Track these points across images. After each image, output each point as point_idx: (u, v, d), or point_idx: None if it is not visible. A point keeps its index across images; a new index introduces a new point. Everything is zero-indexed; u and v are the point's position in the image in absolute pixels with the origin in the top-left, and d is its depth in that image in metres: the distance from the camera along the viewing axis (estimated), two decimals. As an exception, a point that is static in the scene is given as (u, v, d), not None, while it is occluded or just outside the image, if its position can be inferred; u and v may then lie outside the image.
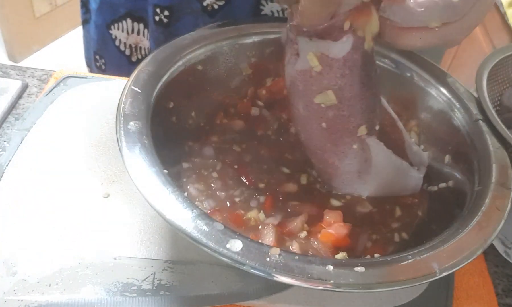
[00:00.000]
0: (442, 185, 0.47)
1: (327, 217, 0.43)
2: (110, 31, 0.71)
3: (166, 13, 0.63)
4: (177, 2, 0.62)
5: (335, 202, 0.46)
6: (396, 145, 0.46)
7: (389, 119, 0.47)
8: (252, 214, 0.43)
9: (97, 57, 0.75)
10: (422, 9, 0.34)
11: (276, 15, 0.63)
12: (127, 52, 0.72)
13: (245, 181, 0.46)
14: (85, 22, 0.76)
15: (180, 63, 0.49)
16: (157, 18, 0.64)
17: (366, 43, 0.39)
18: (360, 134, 0.42)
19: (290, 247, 0.41)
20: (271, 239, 0.40)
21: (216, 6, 0.62)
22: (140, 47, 0.71)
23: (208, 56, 0.52)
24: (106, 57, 0.74)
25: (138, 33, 0.69)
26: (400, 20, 0.36)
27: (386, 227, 0.45)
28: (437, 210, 0.46)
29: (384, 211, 0.46)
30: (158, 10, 0.63)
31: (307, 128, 0.43)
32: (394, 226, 0.45)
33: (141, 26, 0.69)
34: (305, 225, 0.43)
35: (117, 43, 0.71)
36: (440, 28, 0.35)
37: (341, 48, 0.38)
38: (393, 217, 0.46)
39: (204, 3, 0.61)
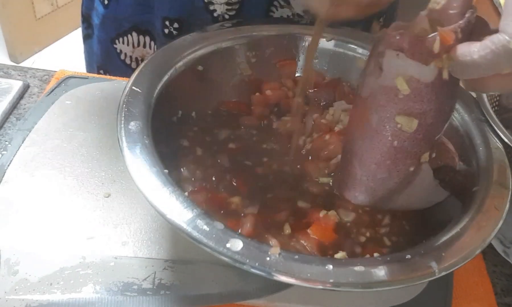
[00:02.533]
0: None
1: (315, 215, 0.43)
2: (115, 45, 0.70)
3: (176, 25, 0.63)
4: (187, 14, 0.62)
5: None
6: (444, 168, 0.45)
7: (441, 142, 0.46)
8: (235, 199, 0.43)
9: (101, 71, 0.74)
10: (486, 62, 0.33)
11: None
12: (133, 65, 0.71)
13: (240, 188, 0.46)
14: (87, 37, 0.75)
15: (180, 63, 0.50)
16: (166, 30, 0.63)
17: (444, 72, 0.37)
18: (423, 160, 0.41)
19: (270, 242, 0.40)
20: (248, 226, 0.41)
21: (227, 16, 0.61)
22: None
23: (208, 56, 0.53)
24: (110, 71, 0.73)
25: (144, 46, 0.69)
26: (470, 76, 0.36)
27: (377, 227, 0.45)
28: (435, 209, 0.46)
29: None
30: (167, 22, 0.63)
31: (374, 141, 0.41)
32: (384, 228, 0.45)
33: (147, 38, 0.68)
34: (290, 218, 0.43)
35: (122, 57, 0.71)
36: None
37: (431, 72, 0.37)
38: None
39: (215, 14, 0.61)
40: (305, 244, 0.40)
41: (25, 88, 0.62)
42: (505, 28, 0.33)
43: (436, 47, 0.36)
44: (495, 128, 0.46)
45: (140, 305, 0.39)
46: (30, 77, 0.64)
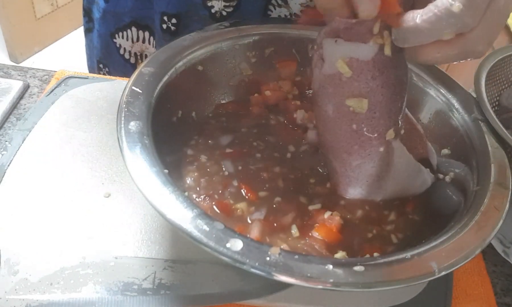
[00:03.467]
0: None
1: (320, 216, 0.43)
2: (115, 40, 0.70)
3: (174, 21, 0.63)
4: (185, 9, 0.62)
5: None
6: (415, 147, 0.46)
7: (408, 122, 0.46)
8: (241, 205, 0.43)
9: (101, 65, 0.75)
10: (428, 26, 0.34)
11: None
12: (132, 60, 0.72)
13: (245, 194, 0.45)
14: (88, 31, 0.75)
15: (180, 63, 0.50)
16: (164, 26, 0.64)
17: (386, 48, 0.38)
18: (388, 137, 0.42)
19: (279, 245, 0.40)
20: (255, 233, 0.41)
21: (224, 13, 0.62)
22: (146, 55, 0.71)
23: (208, 56, 0.53)
24: (110, 66, 0.74)
25: (144, 41, 0.69)
26: (412, 43, 0.36)
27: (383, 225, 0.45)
28: (435, 209, 0.46)
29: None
30: (165, 18, 0.63)
31: (336, 130, 0.42)
32: (389, 228, 0.45)
33: (147, 34, 0.69)
34: (297, 220, 0.43)
35: (121, 51, 0.71)
36: (456, 40, 0.34)
37: (370, 50, 0.38)
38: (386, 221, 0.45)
39: (213, 10, 0.61)
40: (314, 245, 0.41)
41: (25, 88, 0.62)
42: None
43: (376, 28, 0.37)
44: (495, 128, 0.46)
45: (140, 305, 0.39)
46: (30, 77, 0.64)
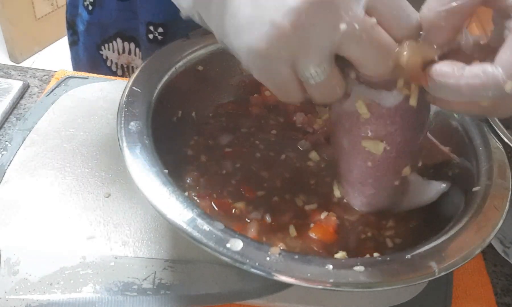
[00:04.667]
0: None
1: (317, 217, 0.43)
2: (101, 52, 0.69)
3: (160, 30, 0.62)
4: (171, 18, 0.61)
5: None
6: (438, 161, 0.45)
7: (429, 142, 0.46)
8: (240, 204, 0.43)
9: None
10: (470, 91, 0.31)
11: None
12: (119, 73, 0.71)
13: (244, 193, 0.45)
14: (73, 44, 0.74)
15: (180, 63, 0.50)
16: (150, 36, 0.62)
17: (412, 99, 0.36)
18: (404, 174, 0.41)
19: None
20: (253, 232, 0.41)
21: None
22: (133, 67, 0.70)
23: (208, 56, 0.52)
24: None
25: (130, 53, 0.68)
26: (446, 97, 0.33)
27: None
28: (435, 210, 0.46)
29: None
30: (151, 27, 0.62)
31: (350, 163, 0.41)
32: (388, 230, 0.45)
33: (132, 45, 0.67)
34: (294, 220, 0.43)
35: (108, 63, 0.70)
36: (490, 105, 0.32)
37: (393, 98, 0.36)
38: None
39: None
40: (311, 245, 0.41)
41: (25, 88, 0.62)
42: (503, 62, 0.30)
43: (400, 83, 0.35)
44: (495, 128, 0.46)
45: (140, 305, 0.39)
46: (30, 77, 0.64)
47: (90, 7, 0.66)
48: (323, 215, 0.43)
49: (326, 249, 0.41)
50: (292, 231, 0.42)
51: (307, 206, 0.44)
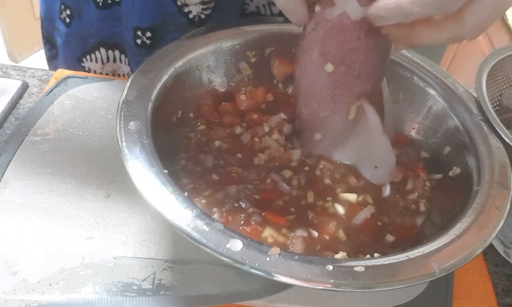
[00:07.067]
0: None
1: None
2: (82, 64, 0.68)
3: (149, 34, 0.61)
4: (159, 21, 0.60)
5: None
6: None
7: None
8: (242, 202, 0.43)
9: None
10: (417, 8, 0.34)
11: (262, 10, 0.61)
12: None
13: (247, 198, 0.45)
14: (51, 59, 0.72)
15: (180, 63, 0.50)
16: (139, 41, 0.61)
17: None
18: (360, 101, 0.43)
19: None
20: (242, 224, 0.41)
21: (203, 16, 0.60)
22: (119, 74, 0.69)
23: (208, 56, 0.52)
24: None
25: (115, 61, 0.67)
26: (391, 20, 0.37)
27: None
28: (435, 209, 0.46)
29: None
30: (139, 32, 0.61)
31: (314, 76, 0.44)
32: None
33: (117, 52, 0.66)
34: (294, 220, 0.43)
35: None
36: (444, 22, 0.35)
37: (360, 11, 0.39)
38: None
39: (190, 16, 0.59)
40: (314, 245, 0.41)
41: (24, 87, 0.61)
42: None
43: None
44: (496, 128, 0.46)
45: (140, 306, 0.39)
46: (29, 76, 0.64)
47: (67, 20, 0.64)
48: (324, 217, 0.43)
49: (329, 249, 0.41)
50: (293, 231, 0.42)
51: (309, 211, 0.44)
